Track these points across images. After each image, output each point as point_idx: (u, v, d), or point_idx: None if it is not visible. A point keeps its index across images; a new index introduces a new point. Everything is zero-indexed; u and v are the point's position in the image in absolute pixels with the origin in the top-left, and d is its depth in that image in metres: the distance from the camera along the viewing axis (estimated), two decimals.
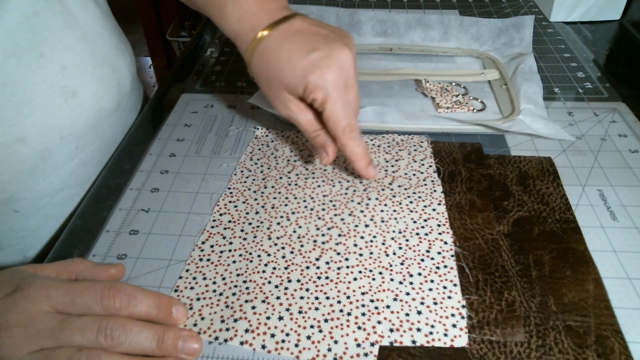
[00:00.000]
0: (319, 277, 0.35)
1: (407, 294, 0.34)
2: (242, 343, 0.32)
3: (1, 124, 0.37)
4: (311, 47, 0.37)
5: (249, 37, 0.40)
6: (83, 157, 0.45)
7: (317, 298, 0.34)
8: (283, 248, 0.38)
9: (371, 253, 0.37)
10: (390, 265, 0.36)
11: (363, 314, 0.33)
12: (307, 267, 0.36)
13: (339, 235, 0.39)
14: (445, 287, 0.35)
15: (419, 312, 0.33)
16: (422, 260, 0.36)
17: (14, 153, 0.38)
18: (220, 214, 0.41)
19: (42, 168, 0.41)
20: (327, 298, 0.34)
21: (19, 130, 0.38)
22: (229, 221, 0.40)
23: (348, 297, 0.34)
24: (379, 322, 0.33)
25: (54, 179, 0.42)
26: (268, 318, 0.33)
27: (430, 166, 0.44)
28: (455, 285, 0.35)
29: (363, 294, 0.34)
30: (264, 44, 0.39)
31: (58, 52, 0.40)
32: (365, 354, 0.31)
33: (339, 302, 0.34)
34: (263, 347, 0.31)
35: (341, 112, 0.38)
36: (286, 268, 0.36)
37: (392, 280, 0.35)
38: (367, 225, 0.39)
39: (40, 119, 0.39)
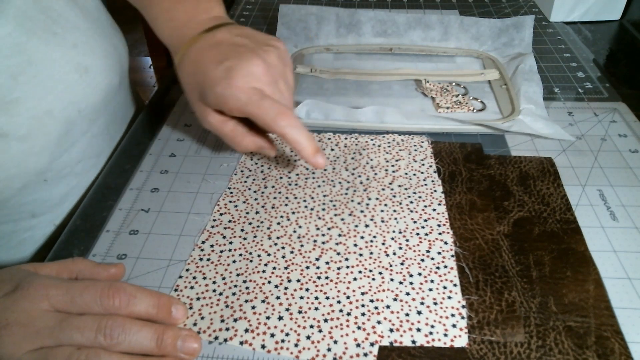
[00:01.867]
0: (318, 277, 0.35)
1: (407, 294, 0.34)
2: (241, 343, 0.32)
3: (32, 99, 0.39)
4: (223, 58, 0.37)
5: (178, 50, 0.41)
6: (94, 131, 0.47)
7: (317, 298, 0.34)
8: (283, 248, 0.38)
9: (371, 253, 0.37)
10: (390, 265, 0.36)
11: (363, 314, 0.33)
12: (307, 267, 0.36)
13: (339, 235, 0.39)
14: (445, 287, 0.35)
15: (419, 312, 0.33)
16: (422, 260, 0.36)
17: (44, 126, 0.40)
18: (221, 214, 0.41)
19: (65, 140, 0.43)
20: (327, 298, 0.34)
21: (46, 104, 0.40)
22: (229, 221, 0.40)
23: (348, 297, 0.34)
24: (379, 322, 0.33)
25: (73, 151, 0.45)
26: (268, 318, 0.33)
27: (431, 166, 0.44)
28: (455, 285, 0.35)
29: (363, 294, 0.34)
30: (186, 56, 0.40)
31: (68, 31, 0.42)
32: (365, 354, 0.31)
33: (338, 302, 0.34)
34: (263, 346, 0.31)
35: (265, 109, 0.36)
36: (286, 268, 0.36)
37: (392, 280, 0.35)
38: (367, 225, 0.39)
39: (61, 93, 0.41)
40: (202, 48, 0.39)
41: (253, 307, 0.34)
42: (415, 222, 0.39)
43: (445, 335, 0.32)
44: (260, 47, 0.39)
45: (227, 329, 0.32)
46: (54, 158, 0.42)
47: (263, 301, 0.34)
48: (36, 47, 0.39)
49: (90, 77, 0.44)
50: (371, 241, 0.38)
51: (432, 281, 0.35)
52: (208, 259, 0.37)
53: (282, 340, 0.32)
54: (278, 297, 0.34)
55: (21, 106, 0.38)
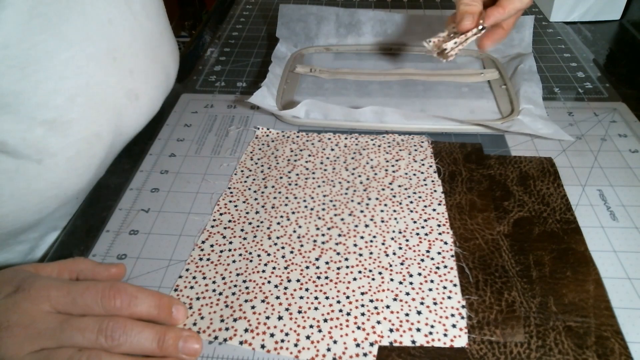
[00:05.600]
0: (318, 277, 0.35)
1: (407, 294, 0.34)
2: (241, 343, 0.32)
3: (85, 121, 0.39)
4: None
5: None
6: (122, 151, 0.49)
7: (316, 298, 0.34)
8: (283, 248, 0.38)
9: (371, 253, 0.37)
10: (390, 265, 0.36)
11: (362, 314, 0.33)
12: (307, 267, 0.36)
13: (339, 235, 0.39)
14: (445, 287, 0.35)
15: (419, 312, 0.33)
16: (422, 260, 0.36)
17: (92, 148, 0.41)
18: (221, 214, 0.41)
19: (104, 162, 0.44)
20: (327, 298, 0.34)
21: (97, 127, 0.41)
22: (229, 221, 0.40)
23: (347, 297, 0.34)
24: (379, 322, 0.33)
25: (104, 170, 0.46)
26: (267, 318, 0.33)
27: (431, 166, 0.44)
28: (455, 285, 0.35)
29: (363, 294, 0.34)
30: None
31: (127, 57, 0.43)
32: (365, 354, 0.31)
33: (338, 302, 0.34)
34: (262, 346, 0.31)
35: None
36: (286, 268, 0.36)
37: (391, 280, 0.35)
38: (367, 225, 0.39)
39: (111, 118, 0.42)
40: None
41: (253, 307, 0.34)
42: (415, 222, 0.39)
43: (445, 335, 0.32)
44: None
45: (227, 329, 0.32)
46: (93, 179, 0.43)
47: (263, 301, 0.34)
48: (95, 71, 0.39)
49: (139, 104, 0.45)
50: (371, 241, 0.38)
51: (432, 281, 0.35)
52: (208, 259, 0.37)
53: (282, 340, 0.32)
54: (278, 297, 0.34)
55: (74, 128, 0.38)
